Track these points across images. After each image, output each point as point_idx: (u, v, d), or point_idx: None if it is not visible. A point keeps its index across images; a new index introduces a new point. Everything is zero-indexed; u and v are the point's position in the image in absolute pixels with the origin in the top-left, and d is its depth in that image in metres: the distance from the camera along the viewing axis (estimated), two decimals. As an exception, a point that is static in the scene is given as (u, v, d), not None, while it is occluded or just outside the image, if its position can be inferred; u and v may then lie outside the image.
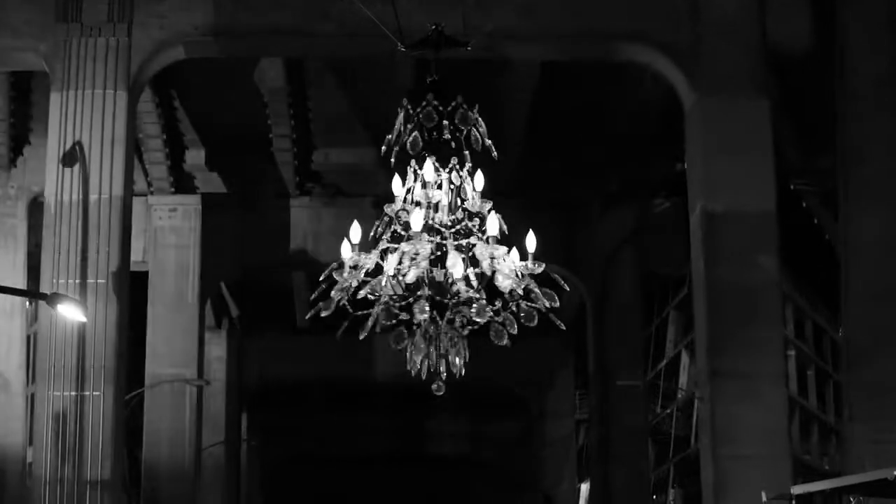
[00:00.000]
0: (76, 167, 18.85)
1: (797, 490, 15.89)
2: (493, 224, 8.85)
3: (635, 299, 30.19)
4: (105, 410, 18.03)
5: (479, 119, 9.10)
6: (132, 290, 28.28)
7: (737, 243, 19.37)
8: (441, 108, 9.05)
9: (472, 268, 8.79)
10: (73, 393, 18.01)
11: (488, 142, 9.09)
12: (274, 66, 24.00)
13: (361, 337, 8.98)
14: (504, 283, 8.80)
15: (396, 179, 8.97)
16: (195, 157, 28.13)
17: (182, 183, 28.29)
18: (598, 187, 29.17)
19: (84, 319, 15.65)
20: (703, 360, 19.66)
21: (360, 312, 8.84)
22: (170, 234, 28.20)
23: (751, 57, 19.82)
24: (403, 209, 8.98)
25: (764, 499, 15.88)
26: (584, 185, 29.12)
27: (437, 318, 8.79)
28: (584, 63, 25.06)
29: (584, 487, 43.35)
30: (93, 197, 18.88)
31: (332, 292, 8.95)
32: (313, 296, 9.10)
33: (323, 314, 8.87)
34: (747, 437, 18.76)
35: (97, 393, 18.04)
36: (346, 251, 8.80)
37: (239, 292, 35.43)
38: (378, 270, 8.81)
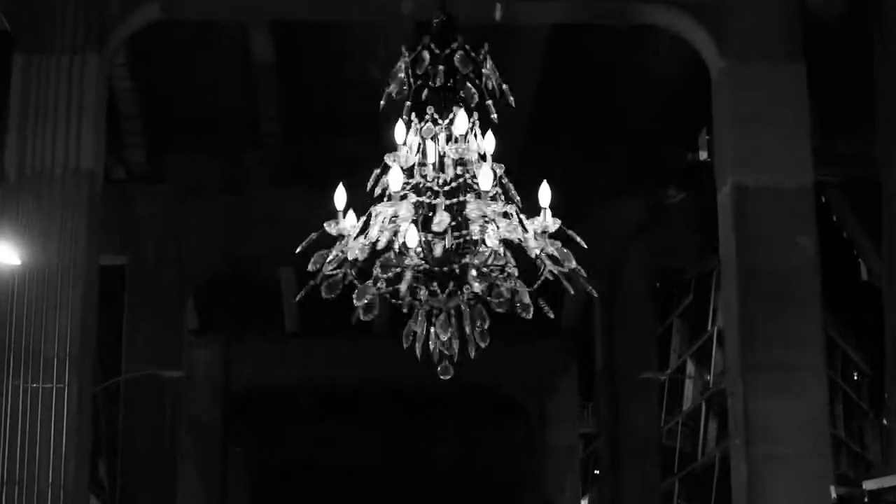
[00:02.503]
0: (41, 136, 17.03)
1: (840, 490, 14.73)
2: (487, 176, 7.69)
3: (646, 296, 28.42)
4: (69, 405, 16.16)
5: (490, 62, 8.01)
6: (109, 284, 26.63)
7: (771, 222, 17.71)
8: (438, 52, 7.94)
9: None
10: (34, 385, 16.15)
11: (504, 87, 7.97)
12: (262, 38, 22.13)
13: (354, 321, 8.01)
14: (490, 243, 7.72)
15: (399, 126, 7.91)
16: (177, 141, 26.23)
17: (163, 169, 26.42)
18: (607, 178, 27.47)
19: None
20: (735, 351, 17.91)
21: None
22: (149, 223, 26.33)
23: (785, 17, 18.15)
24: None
25: (833, 495, 14.35)
26: (593, 175, 27.44)
27: (437, 291, 7.73)
28: (595, 42, 23.67)
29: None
30: (58, 170, 17.03)
31: (327, 262, 7.87)
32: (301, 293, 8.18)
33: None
34: (785, 434, 17.12)
35: (60, 385, 16.18)
36: (349, 220, 7.75)
37: (225, 293, 33.67)
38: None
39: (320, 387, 39.82)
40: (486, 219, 7.71)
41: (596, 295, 8.27)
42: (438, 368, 7.92)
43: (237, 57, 23.43)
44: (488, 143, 7.98)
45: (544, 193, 7.70)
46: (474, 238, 7.72)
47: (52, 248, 16.80)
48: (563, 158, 26.99)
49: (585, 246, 7.82)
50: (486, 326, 7.91)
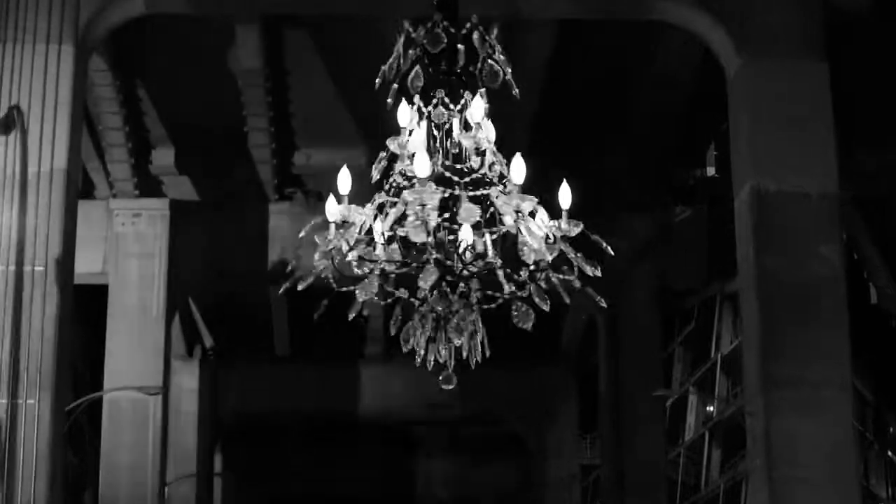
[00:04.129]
0: (13, 134, 15.88)
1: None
2: (520, 169, 7.04)
3: (652, 317, 27.32)
4: (40, 422, 14.96)
5: (498, 46, 7.45)
6: (91, 304, 25.50)
7: (794, 229, 16.54)
8: (453, 30, 7.32)
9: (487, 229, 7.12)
10: (3, 400, 14.97)
11: (508, 72, 7.42)
12: (249, 41, 21.03)
13: (351, 317, 7.17)
14: (533, 245, 7.12)
15: (403, 107, 7.29)
16: (162, 155, 25.18)
17: (147, 184, 25.31)
18: (612, 194, 26.44)
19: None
20: (754, 367, 16.73)
21: (344, 287, 7.07)
22: (133, 241, 25.23)
23: (806, 12, 17.06)
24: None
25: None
26: (597, 190, 26.36)
27: (448, 291, 7.03)
28: (599, 53, 22.81)
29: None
30: (31, 170, 15.87)
31: (316, 257, 7.14)
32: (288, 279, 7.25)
33: (300, 287, 7.12)
34: (809, 456, 15.88)
35: (31, 401, 14.99)
36: (331, 206, 7.08)
37: (212, 317, 32.59)
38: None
39: (312, 414, 38.51)
40: (521, 214, 7.07)
41: (605, 305, 7.75)
42: (440, 378, 7.18)
43: (224, 65, 22.37)
44: (489, 128, 7.39)
45: (564, 195, 7.11)
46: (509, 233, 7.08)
47: (23, 255, 15.63)
48: (567, 174, 25.90)
49: (612, 252, 7.23)
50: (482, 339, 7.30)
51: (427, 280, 6.93)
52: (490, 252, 7.15)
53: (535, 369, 35.46)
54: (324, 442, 42.63)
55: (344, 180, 7.11)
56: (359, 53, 21.76)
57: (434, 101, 7.31)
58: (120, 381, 24.12)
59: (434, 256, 6.98)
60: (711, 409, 42.04)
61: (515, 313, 7.22)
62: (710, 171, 27.97)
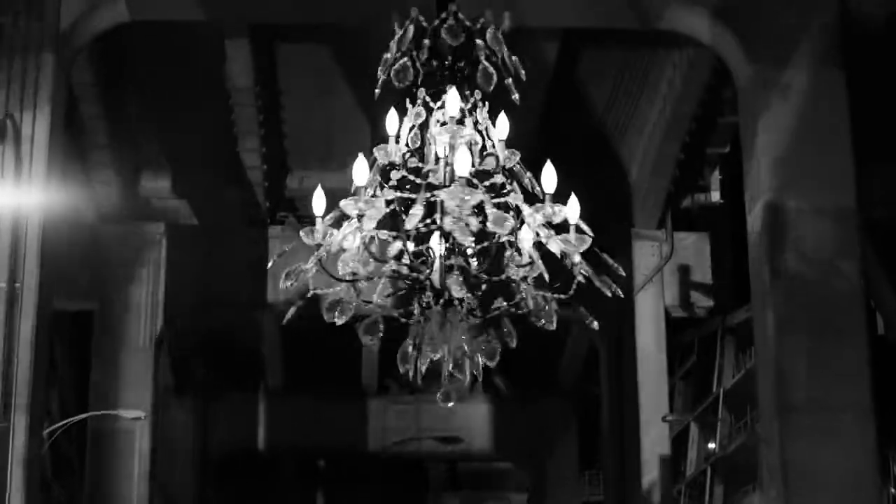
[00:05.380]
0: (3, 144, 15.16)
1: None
2: (551, 176, 6.71)
3: (657, 344, 26.50)
4: (15, 446, 14.23)
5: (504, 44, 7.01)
6: (77, 332, 24.72)
7: (810, 246, 15.85)
8: (468, 25, 6.92)
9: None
10: (-23, 420, 14.25)
11: (522, 74, 7.03)
12: (240, 56, 20.31)
13: (339, 321, 6.73)
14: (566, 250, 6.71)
15: (392, 115, 6.90)
16: (152, 177, 24.37)
17: (136, 208, 24.48)
18: (615, 220, 25.78)
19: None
20: (769, 390, 15.97)
21: (319, 291, 6.63)
22: (120, 267, 24.33)
23: (822, 20, 16.40)
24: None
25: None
26: (600, 217, 25.61)
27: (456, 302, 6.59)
28: (602, 71, 22.25)
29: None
30: (8, 180, 15.11)
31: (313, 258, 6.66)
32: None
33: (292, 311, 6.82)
34: (828, 483, 15.16)
35: (4, 424, 14.23)
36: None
37: (202, 349, 31.78)
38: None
39: (307, 449, 37.69)
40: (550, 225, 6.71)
41: (597, 327, 7.04)
42: (438, 395, 6.78)
43: (216, 85, 21.66)
44: (501, 127, 6.95)
45: (573, 208, 6.72)
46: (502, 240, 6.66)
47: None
48: (567, 199, 25.25)
49: (623, 273, 6.90)
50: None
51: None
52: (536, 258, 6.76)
53: (535, 403, 34.65)
54: (319, 479, 41.90)
55: (360, 169, 6.65)
56: (351, 70, 21.23)
57: (419, 100, 6.91)
58: (105, 409, 23.27)
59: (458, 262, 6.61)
60: (713, 445, 41.29)
61: (506, 329, 6.83)
62: (715, 195, 27.27)
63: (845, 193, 16.00)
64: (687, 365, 42.50)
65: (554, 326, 6.74)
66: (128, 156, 23.82)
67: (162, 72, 21.65)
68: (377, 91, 6.98)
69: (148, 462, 24.06)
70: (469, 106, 6.95)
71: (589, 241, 6.82)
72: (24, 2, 15.30)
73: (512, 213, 6.71)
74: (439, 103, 6.95)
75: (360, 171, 6.58)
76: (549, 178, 6.72)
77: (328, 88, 22.10)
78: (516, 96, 7.16)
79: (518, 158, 7.13)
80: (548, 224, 6.83)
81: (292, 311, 6.76)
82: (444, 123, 6.91)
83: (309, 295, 6.65)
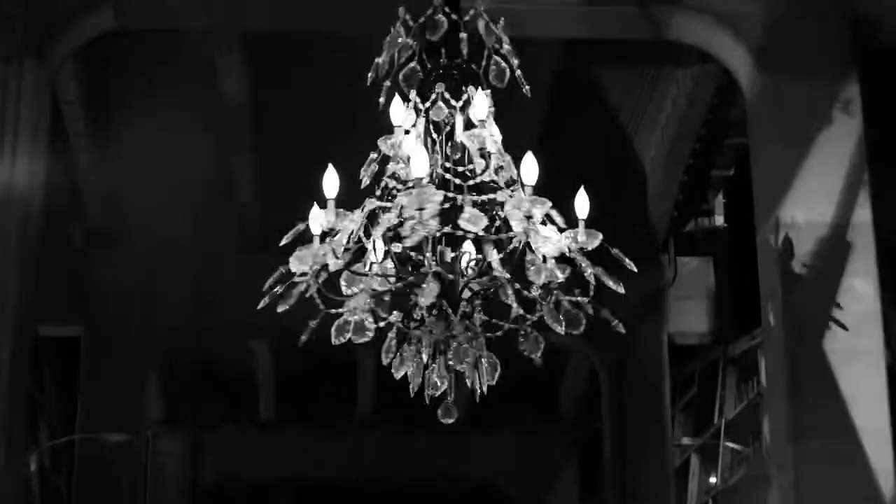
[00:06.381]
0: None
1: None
2: (531, 168, 6.56)
3: (661, 372, 25.95)
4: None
5: (505, 37, 6.96)
6: (62, 357, 24.15)
7: (824, 263, 15.18)
8: (455, 18, 6.78)
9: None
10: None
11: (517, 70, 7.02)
12: (233, 67, 19.77)
13: (335, 342, 6.67)
14: (548, 251, 6.65)
15: (397, 103, 6.81)
16: (139, 197, 23.73)
17: (124, 228, 23.86)
18: (617, 244, 25.16)
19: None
20: (782, 414, 15.30)
21: (333, 310, 6.60)
22: (108, 291, 23.75)
23: (835, 30, 15.84)
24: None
25: None
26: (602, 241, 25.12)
27: (448, 312, 6.46)
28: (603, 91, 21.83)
29: None
30: (-15, 195, 14.51)
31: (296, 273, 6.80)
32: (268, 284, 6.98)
33: (280, 309, 6.72)
34: (843, 508, 14.59)
35: (-20, 450, 13.58)
36: (315, 213, 6.85)
37: (194, 378, 31.17)
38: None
39: (301, 483, 36.88)
40: (533, 221, 6.57)
41: (623, 331, 7.17)
42: (439, 411, 6.67)
43: (206, 97, 21.08)
44: (480, 108, 6.92)
45: (582, 203, 6.74)
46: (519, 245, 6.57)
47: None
48: (567, 224, 24.76)
49: (635, 269, 6.89)
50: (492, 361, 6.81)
51: (427, 297, 6.32)
52: (497, 266, 6.56)
53: (535, 433, 34.05)
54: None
55: (330, 182, 6.65)
56: (349, 85, 20.63)
57: (433, 96, 6.81)
58: (91, 441, 22.64)
59: (434, 270, 6.35)
60: (714, 479, 40.73)
61: (523, 340, 6.67)
62: (719, 220, 26.76)
63: (860, 207, 15.41)
64: (688, 396, 41.99)
65: (580, 329, 6.71)
66: (114, 174, 23.21)
67: (148, 87, 21.14)
68: (381, 101, 6.86)
69: (139, 492, 23.57)
70: (461, 104, 6.77)
71: (599, 236, 6.71)
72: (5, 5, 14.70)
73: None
74: (427, 104, 6.80)
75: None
76: (583, 205, 6.65)
77: (324, 103, 21.60)
78: (527, 88, 6.98)
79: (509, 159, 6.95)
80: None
81: (307, 331, 6.64)
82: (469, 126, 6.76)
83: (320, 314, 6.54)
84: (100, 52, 18.61)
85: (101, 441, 21.65)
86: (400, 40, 6.89)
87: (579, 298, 6.80)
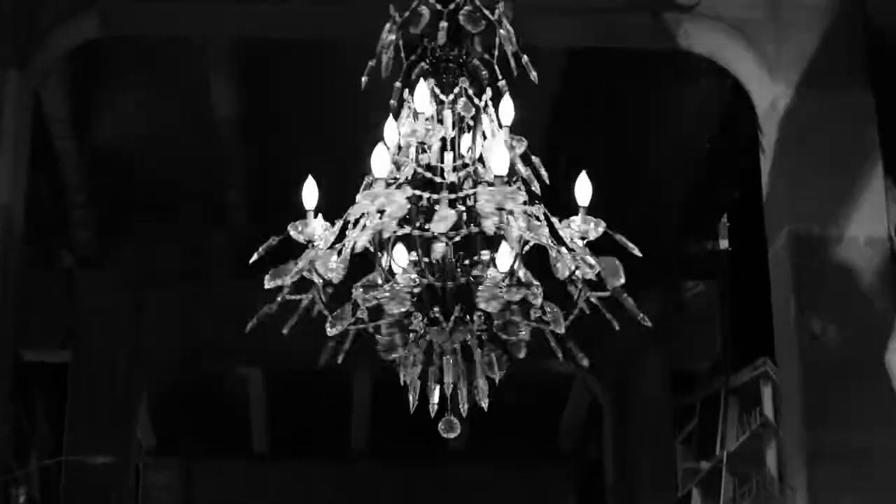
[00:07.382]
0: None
1: None
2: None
3: (664, 405, 25.35)
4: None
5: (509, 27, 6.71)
6: (50, 385, 23.57)
7: (839, 280, 14.73)
8: (441, 6, 6.57)
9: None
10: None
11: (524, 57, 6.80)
12: (223, 79, 19.23)
13: (322, 362, 6.62)
14: (506, 253, 6.22)
15: (421, 87, 6.56)
16: (130, 218, 23.15)
17: (114, 252, 23.26)
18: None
19: None
20: (797, 437, 14.78)
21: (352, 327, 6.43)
22: (97, 316, 23.11)
23: (849, 39, 15.43)
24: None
25: None
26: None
27: (440, 318, 6.07)
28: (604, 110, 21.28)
29: None
30: (-34, 211, 13.93)
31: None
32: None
33: (284, 330, 6.61)
34: (861, 532, 14.04)
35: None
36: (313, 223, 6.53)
37: (185, 408, 30.54)
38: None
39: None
40: (505, 211, 6.06)
41: (649, 324, 6.78)
42: (440, 426, 6.25)
43: (198, 117, 20.53)
44: (506, 111, 6.42)
45: (583, 189, 6.27)
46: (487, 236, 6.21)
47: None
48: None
49: (640, 254, 6.44)
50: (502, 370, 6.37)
51: (441, 225, 6.06)
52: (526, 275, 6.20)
53: (532, 467, 33.39)
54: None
55: (309, 193, 6.51)
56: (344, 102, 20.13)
57: (456, 90, 6.55)
58: (79, 467, 21.97)
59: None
60: (716, 513, 40.19)
61: (512, 341, 6.45)
62: (724, 243, 26.20)
63: (876, 222, 14.91)
64: (688, 428, 41.44)
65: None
66: (105, 199, 22.63)
67: (139, 108, 20.61)
68: (392, 102, 6.62)
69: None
70: (451, 97, 6.52)
71: (603, 225, 6.31)
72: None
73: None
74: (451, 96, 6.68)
75: (380, 158, 6.22)
76: (584, 190, 6.23)
77: (323, 119, 21.06)
78: (534, 74, 6.73)
79: (525, 146, 6.62)
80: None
81: (327, 351, 6.38)
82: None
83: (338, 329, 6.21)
84: (88, 68, 18.13)
85: (86, 464, 20.96)
86: (392, 37, 6.63)
87: (612, 288, 6.26)
